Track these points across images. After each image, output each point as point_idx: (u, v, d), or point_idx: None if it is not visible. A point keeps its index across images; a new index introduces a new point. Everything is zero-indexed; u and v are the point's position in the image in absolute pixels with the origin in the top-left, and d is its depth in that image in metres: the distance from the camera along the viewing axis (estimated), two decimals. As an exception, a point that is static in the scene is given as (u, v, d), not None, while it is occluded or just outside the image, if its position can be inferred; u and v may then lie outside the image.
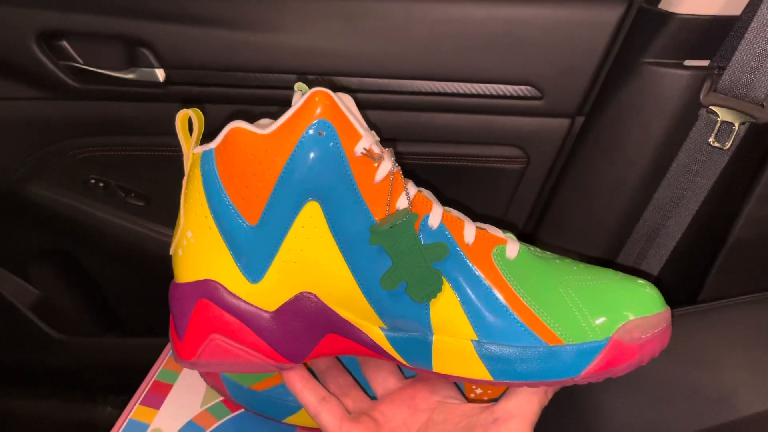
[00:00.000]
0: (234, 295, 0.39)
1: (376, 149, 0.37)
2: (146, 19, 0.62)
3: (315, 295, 0.39)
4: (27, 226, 0.81)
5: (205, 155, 0.37)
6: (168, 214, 0.75)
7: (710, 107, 0.56)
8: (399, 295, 0.38)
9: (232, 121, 0.36)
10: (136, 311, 0.90)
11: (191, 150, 0.38)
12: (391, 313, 0.39)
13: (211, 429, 0.49)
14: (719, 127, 0.56)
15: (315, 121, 0.35)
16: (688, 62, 0.59)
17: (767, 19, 0.52)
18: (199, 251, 0.39)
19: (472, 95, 0.64)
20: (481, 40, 0.61)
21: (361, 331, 0.40)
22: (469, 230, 0.39)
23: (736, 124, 0.55)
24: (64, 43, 0.65)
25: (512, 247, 0.39)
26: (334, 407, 0.42)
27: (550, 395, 0.41)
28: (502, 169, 0.69)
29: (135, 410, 0.49)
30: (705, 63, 0.58)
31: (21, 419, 0.92)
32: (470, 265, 0.38)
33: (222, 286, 0.39)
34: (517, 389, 0.40)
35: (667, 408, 0.55)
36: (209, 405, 0.50)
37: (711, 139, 0.56)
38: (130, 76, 0.66)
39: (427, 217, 0.38)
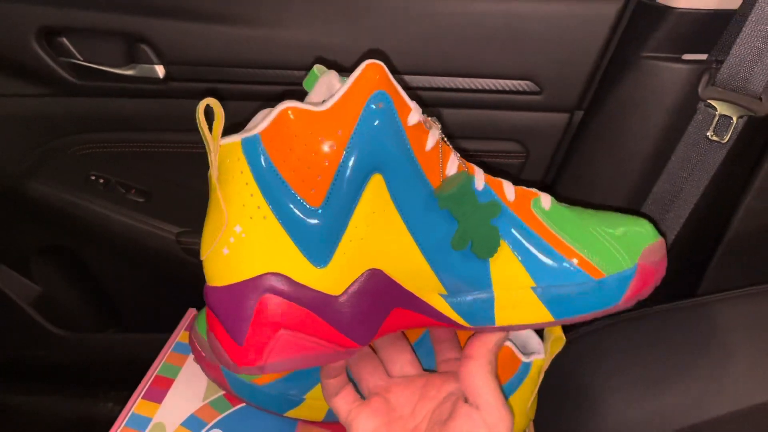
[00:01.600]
0: (300, 285, 0.37)
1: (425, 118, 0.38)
2: (146, 15, 0.62)
3: (381, 271, 0.39)
4: (28, 222, 0.81)
5: (249, 142, 0.35)
6: (169, 210, 0.76)
7: (708, 101, 0.56)
8: (461, 257, 0.39)
9: (282, 103, 0.35)
10: (137, 307, 0.91)
11: (218, 141, 0.36)
12: (454, 276, 0.40)
13: (212, 422, 0.49)
14: (717, 120, 0.56)
15: (374, 93, 0.35)
16: (686, 56, 0.59)
17: (765, 12, 0.52)
18: (254, 245, 0.36)
19: (472, 90, 0.64)
20: (480, 35, 0.61)
21: (424, 301, 0.40)
22: (509, 188, 0.41)
23: (735, 118, 0.55)
24: (64, 40, 0.65)
25: (545, 198, 0.42)
26: (348, 393, 0.44)
27: (505, 337, 0.43)
28: (502, 164, 0.70)
29: (137, 404, 0.49)
30: (703, 57, 0.58)
31: (23, 415, 0.92)
32: (518, 218, 0.40)
33: (286, 276, 0.37)
34: (476, 335, 0.42)
35: (667, 400, 0.55)
36: (211, 399, 0.51)
37: (709, 133, 0.56)
38: (130, 72, 0.66)
39: (473, 179, 0.39)
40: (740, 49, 0.53)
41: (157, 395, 0.50)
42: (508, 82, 0.64)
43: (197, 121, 0.34)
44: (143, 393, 0.50)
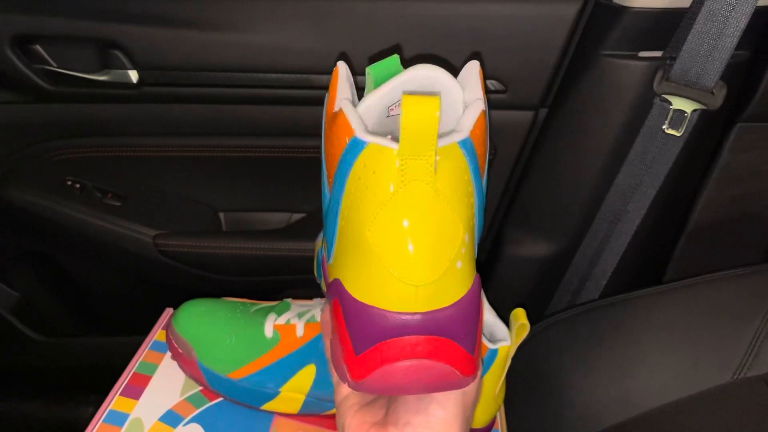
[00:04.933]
0: None
1: None
2: (118, 21, 0.63)
3: None
4: (4, 229, 0.81)
5: (466, 143, 0.32)
6: (145, 213, 0.76)
7: (663, 95, 0.58)
8: None
9: (477, 101, 0.33)
10: (115, 310, 0.91)
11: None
12: None
13: (189, 417, 0.50)
14: (672, 114, 0.58)
15: None
16: (642, 53, 0.61)
17: (714, 9, 0.54)
18: (473, 254, 0.34)
19: (439, 90, 0.66)
20: (445, 36, 0.63)
21: None
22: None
23: (689, 111, 0.58)
24: (38, 47, 0.66)
25: None
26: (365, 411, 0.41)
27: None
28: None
29: (115, 401, 0.50)
30: (658, 54, 0.61)
31: (4, 421, 0.92)
32: None
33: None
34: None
35: (631, 384, 0.57)
36: (188, 394, 0.52)
37: (665, 126, 0.59)
38: (104, 78, 0.67)
39: None
40: (692, 45, 0.56)
41: (134, 392, 0.51)
42: (474, 81, 0.65)
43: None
44: (121, 390, 0.51)
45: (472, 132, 0.32)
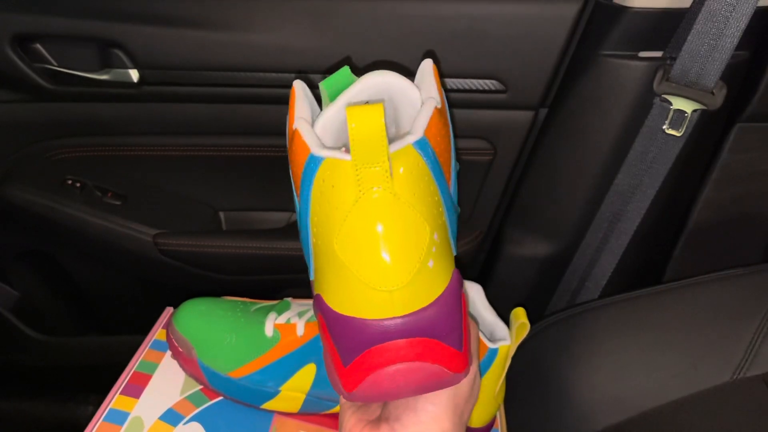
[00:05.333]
0: None
1: None
2: (119, 20, 0.63)
3: None
4: (4, 228, 0.81)
5: (421, 143, 0.33)
6: (145, 212, 0.76)
7: (663, 96, 0.58)
8: None
9: (429, 99, 0.34)
10: (116, 310, 0.91)
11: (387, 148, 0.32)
12: None
13: (190, 416, 0.50)
14: (672, 114, 0.58)
15: None
16: (642, 54, 0.61)
17: (714, 9, 0.54)
18: (447, 247, 0.35)
19: (439, 89, 0.66)
20: (446, 36, 0.63)
21: None
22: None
23: (689, 112, 0.58)
24: (38, 46, 0.66)
25: None
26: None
27: None
28: (470, 162, 0.71)
29: (115, 400, 0.50)
30: (658, 54, 0.61)
31: (3, 420, 0.92)
32: None
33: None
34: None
35: (630, 384, 0.57)
36: (188, 393, 0.52)
37: (665, 127, 0.59)
38: (104, 77, 0.67)
39: None
40: (692, 45, 0.56)
41: (134, 391, 0.51)
42: (474, 81, 0.66)
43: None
44: (121, 389, 0.51)
45: (427, 131, 0.33)
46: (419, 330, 0.33)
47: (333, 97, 0.37)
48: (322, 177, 0.32)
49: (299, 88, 0.38)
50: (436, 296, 0.33)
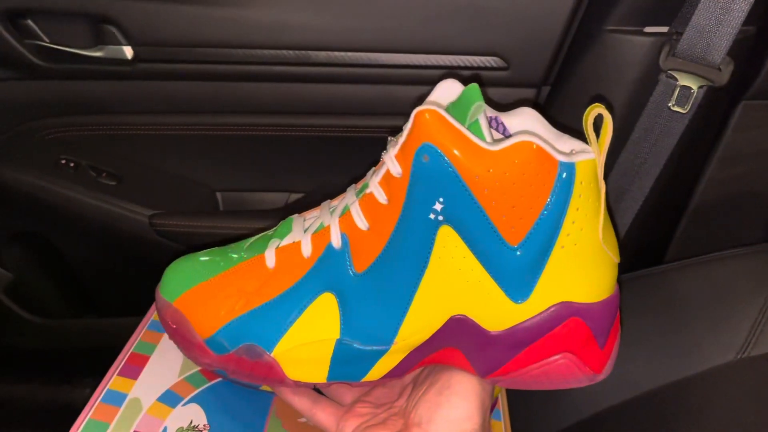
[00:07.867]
0: None
1: None
2: None
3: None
4: (-2, 209, 0.80)
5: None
6: (141, 192, 0.76)
7: (669, 72, 0.57)
8: None
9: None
10: (110, 291, 0.90)
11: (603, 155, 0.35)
12: None
13: (189, 397, 0.49)
14: (678, 91, 0.57)
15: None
16: (647, 29, 0.60)
17: (722, -17, 0.53)
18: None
19: (440, 66, 0.65)
20: (447, 12, 0.62)
21: None
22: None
23: (695, 88, 0.57)
24: (29, 22, 0.65)
25: None
26: (326, 405, 0.44)
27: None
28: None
29: (113, 381, 0.49)
30: (664, 29, 0.60)
31: (-1, 403, 0.92)
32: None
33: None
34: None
35: (634, 364, 0.57)
36: (187, 374, 0.51)
37: (671, 103, 0.58)
38: (98, 54, 0.66)
39: None
40: (699, 20, 0.55)
41: (132, 372, 0.50)
42: (475, 58, 0.64)
43: (585, 129, 0.34)
44: (118, 370, 0.50)
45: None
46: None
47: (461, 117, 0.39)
48: (581, 179, 0.34)
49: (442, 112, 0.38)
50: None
